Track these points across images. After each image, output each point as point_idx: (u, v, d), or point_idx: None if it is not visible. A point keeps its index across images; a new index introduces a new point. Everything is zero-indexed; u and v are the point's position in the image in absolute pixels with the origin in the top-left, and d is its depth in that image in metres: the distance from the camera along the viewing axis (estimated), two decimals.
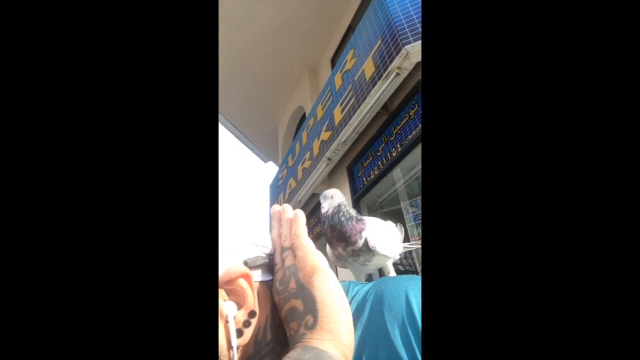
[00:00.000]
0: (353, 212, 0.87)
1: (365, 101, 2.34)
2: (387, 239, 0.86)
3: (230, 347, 0.24)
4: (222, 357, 0.24)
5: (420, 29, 1.97)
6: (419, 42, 1.95)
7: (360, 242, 0.82)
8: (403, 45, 1.97)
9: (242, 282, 0.26)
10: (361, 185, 2.75)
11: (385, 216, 0.94)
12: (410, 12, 2.11)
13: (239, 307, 0.26)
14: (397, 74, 2.10)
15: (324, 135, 2.95)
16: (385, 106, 2.43)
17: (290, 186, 3.75)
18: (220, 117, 5.07)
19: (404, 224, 2.21)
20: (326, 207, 0.85)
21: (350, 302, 0.28)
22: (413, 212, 2.23)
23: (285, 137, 5.13)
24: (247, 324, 0.26)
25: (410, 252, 1.04)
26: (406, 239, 1.02)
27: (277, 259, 0.30)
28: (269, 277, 0.29)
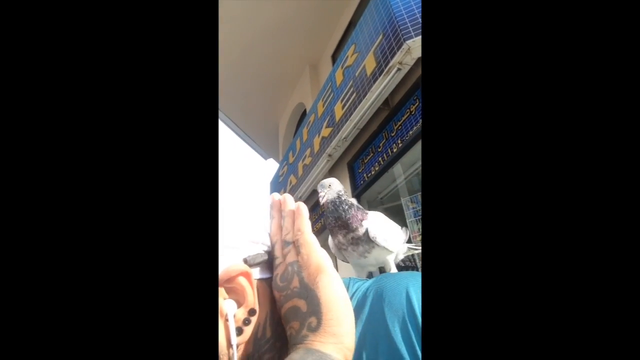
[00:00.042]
0: (354, 200, 0.87)
1: (366, 97, 2.33)
2: (388, 232, 0.86)
3: (230, 345, 0.24)
4: (222, 356, 0.24)
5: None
6: (421, 37, 1.93)
7: (361, 231, 0.82)
8: (404, 40, 1.96)
9: (242, 280, 0.26)
10: (362, 182, 2.75)
11: (385, 212, 0.95)
12: (412, 6, 2.09)
13: (239, 305, 0.26)
14: (399, 69, 2.09)
15: (325, 132, 2.94)
16: (386, 102, 2.42)
17: (290, 183, 3.75)
18: (220, 114, 5.06)
19: (404, 219, 2.22)
20: (324, 195, 0.85)
21: (350, 299, 0.28)
22: (413, 208, 2.23)
23: (285, 133, 5.12)
24: (247, 322, 0.26)
25: (410, 249, 1.04)
26: (408, 241, 1.02)
27: (278, 252, 0.29)
28: (268, 275, 0.29)
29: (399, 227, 0.95)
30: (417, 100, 2.19)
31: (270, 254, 0.30)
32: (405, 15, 2.06)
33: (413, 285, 0.27)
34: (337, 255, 0.91)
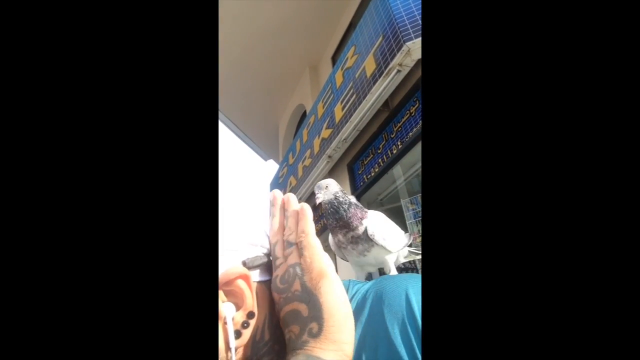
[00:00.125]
0: (353, 199, 0.86)
1: (366, 98, 2.33)
2: (387, 231, 0.86)
3: (228, 348, 0.24)
4: (220, 359, 0.24)
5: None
6: (421, 39, 1.94)
7: (361, 229, 0.82)
8: (404, 41, 1.96)
9: (241, 283, 0.26)
10: (361, 183, 2.75)
11: (385, 213, 0.94)
12: (411, 8, 2.10)
13: (238, 308, 0.26)
14: (399, 71, 2.09)
15: (325, 133, 2.95)
16: (386, 103, 2.42)
17: (290, 184, 3.75)
18: (220, 115, 5.06)
19: (404, 221, 2.21)
20: (321, 197, 0.85)
21: (350, 301, 0.27)
22: (413, 210, 2.23)
23: (285, 135, 5.12)
24: (245, 325, 0.26)
25: (411, 253, 1.04)
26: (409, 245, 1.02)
27: (279, 253, 0.28)
28: (267, 277, 0.29)
29: (401, 230, 0.95)
30: (417, 101, 2.19)
31: (270, 253, 0.29)
32: (405, 17, 2.06)
33: (413, 287, 0.27)
34: (337, 254, 0.91)
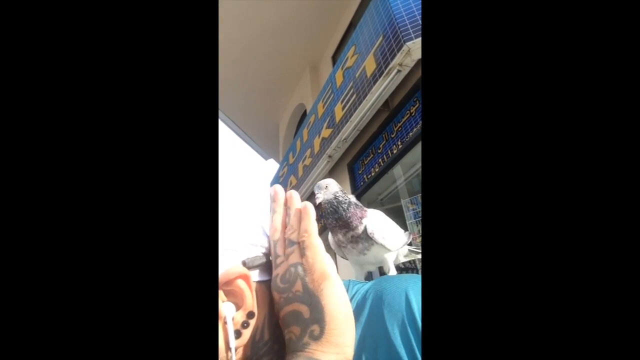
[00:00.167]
0: (352, 198, 0.86)
1: (367, 98, 2.33)
2: (387, 230, 0.86)
3: (228, 348, 0.24)
4: (220, 359, 0.24)
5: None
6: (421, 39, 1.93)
7: (360, 229, 0.82)
8: (404, 41, 1.96)
9: (241, 282, 0.26)
10: (362, 183, 2.75)
11: (385, 213, 0.95)
12: (412, 8, 2.10)
13: (238, 308, 0.26)
14: (399, 70, 2.09)
15: (325, 133, 2.94)
16: (386, 103, 2.42)
17: (291, 183, 3.75)
18: (220, 114, 5.06)
19: (404, 221, 2.21)
20: (321, 197, 0.85)
21: (350, 301, 0.27)
22: (413, 210, 2.23)
23: (286, 134, 5.13)
24: (245, 324, 0.26)
25: (411, 252, 1.04)
26: (409, 244, 1.02)
27: (280, 251, 0.28)
28: (267, 277, 0.29)
29: (401, 229, 0.95)
30: (417, 101, 2.19)
31: (269, 252, 0.29)
32: (405, 17, 2.06)
33: (412, 287, 0.27)
34: (337, 252, 0.91)
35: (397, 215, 2.31)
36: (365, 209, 0.85)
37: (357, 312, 0.28)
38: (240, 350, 0.26)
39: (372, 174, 2.59)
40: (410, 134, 2.20)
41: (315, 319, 0.24)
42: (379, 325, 0.26)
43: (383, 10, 2.29)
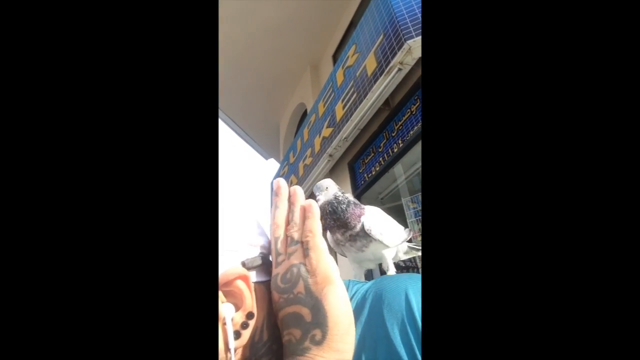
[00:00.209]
0: (350, 197, 0.87)
1: (367, 97, 2.33)
2: (385, 226, 0.86)
3: (227, 349, 0.24)
4: None
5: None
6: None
7: (358, 227, 0.83)
8: (405, 40, 1.95)
9: (240, 283, 0.26)
10: (362, 182, 2.74)
11: (386, 212, 0.95)
12: (412, 6, 2.09)
13: (237, 308, 0.26)
14: (399, 69, 2.09)
15: (326, 132, 2.94)
16: (387, 102, 2.42)
17: (291, 183, 3.75)
18: (221, 114, 5.06)
19: (405, 219, 2.21)
20: (322, 199, 0.85)
21: (349, 300, 0.27)
22: (414, 208, 2.23)
23: (286, 133, 5.12)
24: (244, 325, 0.26)
25: (411, 249, 1.04)
26: (409, 240, 1.02)
27: (281, 248, 0.27)
28: (266, 278, 0.28)
29: (400, 225, 0.95)
30: (418, 100, 2.19)
31: (268, 252, 0.29)
32: (406, 15, 2.06)
33: (412, 287, 0.27)
34: (336, 250, 0.91)
35: (397, 213, 2.31)
36: (363, 206, 0.86)
37: (357, 312, 0.28)
38: (240, 351, 0.26)
39: (373, 172, 2.59)
40: (411, 132, 2.20)
41: (317, 323, 0.24)
42: (378, 324, 0.26)
43: (384, 9, 2.28)
